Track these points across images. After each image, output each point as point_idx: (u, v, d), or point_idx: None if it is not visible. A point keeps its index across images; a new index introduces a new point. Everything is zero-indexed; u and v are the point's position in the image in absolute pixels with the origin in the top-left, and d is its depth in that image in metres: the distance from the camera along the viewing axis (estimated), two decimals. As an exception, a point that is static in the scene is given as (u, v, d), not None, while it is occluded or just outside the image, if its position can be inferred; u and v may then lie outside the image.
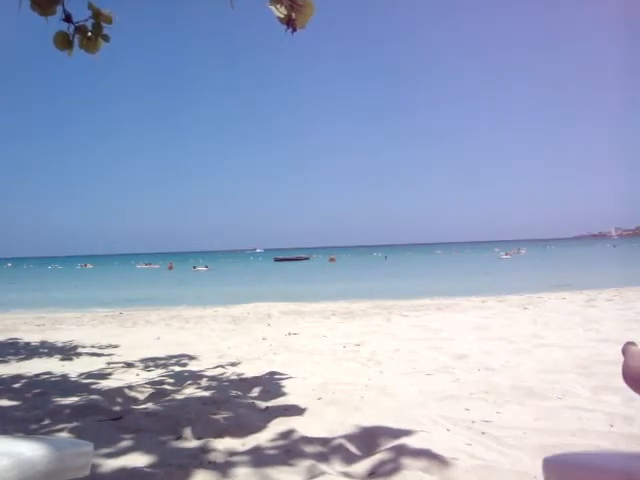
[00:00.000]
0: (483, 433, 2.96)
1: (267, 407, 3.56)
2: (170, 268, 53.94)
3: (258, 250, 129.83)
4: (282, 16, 2.46)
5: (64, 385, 4.43)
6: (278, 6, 2.43)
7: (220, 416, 3.30)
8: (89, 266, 72.68)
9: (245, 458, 2.62)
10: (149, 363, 5.48)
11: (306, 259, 70.55)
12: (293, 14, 2.47)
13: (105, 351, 6.43)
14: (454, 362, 5.01)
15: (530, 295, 13.00)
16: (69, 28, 2.82)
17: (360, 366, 5.03)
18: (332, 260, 63.16)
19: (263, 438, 2.92)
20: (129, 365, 5.36)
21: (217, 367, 5.14)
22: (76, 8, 2.82)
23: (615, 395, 3.56)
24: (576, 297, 11.91)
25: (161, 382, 4.49)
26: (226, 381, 4.50)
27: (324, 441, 2.83)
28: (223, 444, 2.82)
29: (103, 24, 2.85)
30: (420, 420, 3.16)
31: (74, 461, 1.36)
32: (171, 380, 4.57)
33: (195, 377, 4.67)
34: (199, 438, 2.95)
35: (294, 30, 2.48)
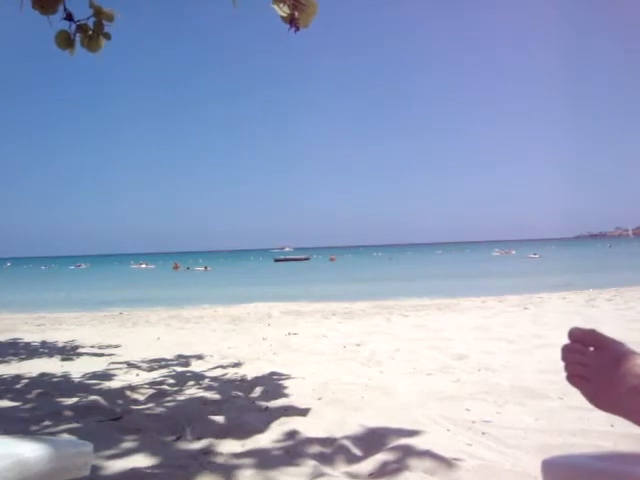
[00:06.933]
0: (483, 433, 2.95)
1: (267, 407, 3.56)
2: (175, 268, 53.53)
3: (287, 249, 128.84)
4: (285, 15, 2.44)
5: (64, 385, 4.43)
6: (281, 5, 2.42)
7: (220, 416, 3.30)
8: (83, 266, 72.41)
9: (246, 458, 2.62)
10: (149, 363, 5.47)
11: (306, 259, 70.77)
12: (296, 13, 2.45)
13: (105, 351, 6.43)
14: (454, 362, 5.00)
15: (530, 295, 13.00)
16: (70, 27, 2.82)
17: (360, 366, 5.02)
18: (332, 260, 63.97)
19: (264, 438, 2.91)
20: (129, 365, 5.36)
21: (217, 367, 5.14)
22: (77, 7, 2.82)
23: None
24: (576, 297, 11.90)
25: (161, 382, 4.49)
26: (226, 381, 4.50)
27: (325, 441, 2.83)
28: (223, 444, 2.82)
29: (105, 22, 2.85)
30: (420, 420, 3.16)
31: (73, 461, 1.36)
32: (171, 380, 4.56)
33: (195, 377, 4.67)
34: (199, 438, 2.95)
35: (297, 29, 2.46)
